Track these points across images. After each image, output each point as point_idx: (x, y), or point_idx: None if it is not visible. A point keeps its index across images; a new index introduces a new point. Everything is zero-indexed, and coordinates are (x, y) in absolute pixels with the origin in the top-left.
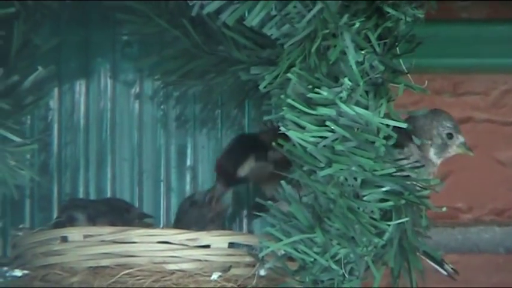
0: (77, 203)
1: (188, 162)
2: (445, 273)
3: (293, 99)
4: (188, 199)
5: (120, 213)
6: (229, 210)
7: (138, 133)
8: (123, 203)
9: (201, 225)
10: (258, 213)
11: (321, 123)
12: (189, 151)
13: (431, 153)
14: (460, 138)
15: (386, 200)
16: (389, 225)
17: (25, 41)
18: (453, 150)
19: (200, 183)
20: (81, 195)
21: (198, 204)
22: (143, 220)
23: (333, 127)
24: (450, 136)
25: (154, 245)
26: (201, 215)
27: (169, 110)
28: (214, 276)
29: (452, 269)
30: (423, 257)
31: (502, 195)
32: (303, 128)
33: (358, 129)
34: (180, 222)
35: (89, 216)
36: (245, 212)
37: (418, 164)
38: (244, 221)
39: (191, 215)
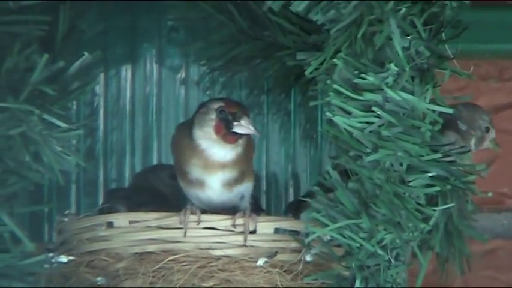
0: (118, 194)
1: None
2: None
3: (339, 85)
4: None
5: (161, 200)
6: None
7: (184, 118)
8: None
9: None
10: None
11: (367, 108)
12: None
13: (472, 142)
14: (493, 133)
15: (432, 186)
16: (435, 210)
17: (71, 27)
18: (486, 143)
19: None
20: (126, 181)
21: None
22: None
23: (379, 112)
24: (487, 129)
25: (200, 231)
26: None
27: (215, 95)
28: (260, 262)
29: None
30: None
31: None
32: (349, 113)
33: (404, 114)
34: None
35: (129, 208)
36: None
37: (464, 150)
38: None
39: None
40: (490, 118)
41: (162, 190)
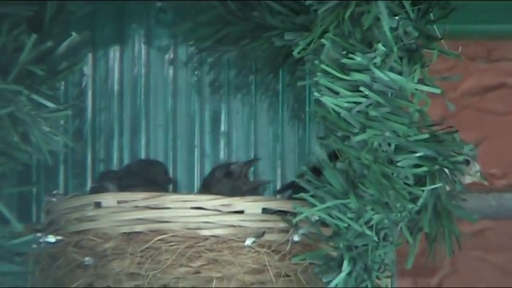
0: (110, 175)
1: (222, 128)
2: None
3: (327, 65)
4: (223, 168)
5: (153, 185)
6: (265, 186)
7: (172, 99)
8: (162, 165)
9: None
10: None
11: (354, 88)
12: (223, 117)
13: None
14: (477, 167)
15: (420, 166)
16: (423, 190)
17: (59, 7)
18: (468, 178)
19: (234, 149)
20: (115, 161)
21: (234, 176)
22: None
23: (366, 93)
24: (467, 162)
25: (188, 211)
26: (235, 186)
27: (204, 76)
28: (248, 242)
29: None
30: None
31: None
32: (336, 93)
33: (391, 94)
34: (209, 189)
35: (120, 188)
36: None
37: (452, 130)
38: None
39: (225, 186)
40: (471, 151)
41: (157, 180)
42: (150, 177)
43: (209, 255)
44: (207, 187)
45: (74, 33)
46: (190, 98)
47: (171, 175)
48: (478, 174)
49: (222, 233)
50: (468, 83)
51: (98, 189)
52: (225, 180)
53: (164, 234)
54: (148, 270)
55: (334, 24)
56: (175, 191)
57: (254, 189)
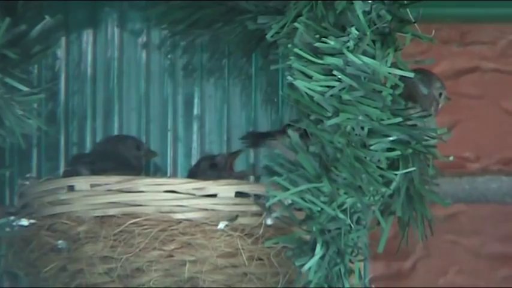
0: (83, 159)
1: (195, 112)
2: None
3: (300, 49)
4: (208, 160)
5: (127, 169)
6: (249, 178)
7: (145, 83)
8: (133, 139)
9: None
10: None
11: (327, 72)
12: (196, 100)
13: (433, 108)
14: (445, 92)
15: (393, 150)
16: (396, 174)
17: None
18: (441, 105)
19: (207, 133)
20: (88, 144)
21: (218, 167)
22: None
23: (339, 76)
24: (440, 95)
25: (161, 194)
26: (220, 178)
27: (177, 59)
28: (221, 225)
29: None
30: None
31: (509, 145)
32: (310, 77)
33: (365, 78)
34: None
35: (93, 172)
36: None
37: (425, 113)
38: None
39: (210, 177)
40: (443, 84)
41: (130, 160)
42: (120, 154)
43: (182, 238)
44: (193, 178)
45: (47, 17)
46: (163, 82)
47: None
48: (446, 98)
49: (195, 216)
50: (441, 66)
51: (71, 173)
52: (210, 171)
53: (137, 217)
54: (121, 253)
55: (307, 7)
56: (149, 173)
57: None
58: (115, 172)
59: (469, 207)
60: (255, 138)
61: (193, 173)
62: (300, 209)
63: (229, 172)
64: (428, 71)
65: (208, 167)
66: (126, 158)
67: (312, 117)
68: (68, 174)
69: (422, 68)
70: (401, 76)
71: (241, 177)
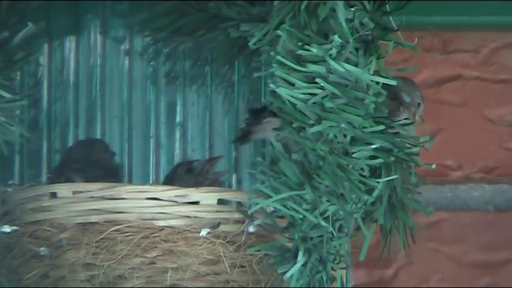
0: (73, 166)
1: (178, 119)
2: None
3: (283, 56)
4: (185, 165)
5: (116, 176)
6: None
7: (127, 90)
8: (102, 142)
9: None
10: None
11: (310, 80)
12: (178, 108)
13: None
14: (421, 109)
15: (376, 157)
16: (378, 182)
17: None
18: (417, 118)
19: (189, 140)
20: None
21: (195, 172)
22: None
23: (322, 84)
24: (419, 105)
25: (143, 202)
26: (197, 183)
27: (159, 66)
28: (203, 232)
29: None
30: None
31: (491, 153)
32: (292, 84)
33: (347, 86)
34: (172, 185)
35: (86, 180)
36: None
37: (408, 121)
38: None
39: (186, 182)
40: (422, 93)
41: (106, 164)
42: (92, 157)
43: (164, 245)
44: (170, 183)
45: (29, 24)
46: (145, 89)
47: (125, 163)
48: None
49: (177, 223)
50: (424, 74)
51: (58, 180)
52: (187, 176)
53: (119, 224)
54: (103, 260)
55: (290, 15)
56: (130, 180)
57: (214, 181)
58: (104, 179)
59: (451, 215)
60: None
61: (170, 178)
62: (282, 217)
63: (205, 177)
64: (409, 79)
65: (185, 172)
66: (97, 157)
67: (295, 125)
68: (52, 181)
69: (404, 77)
70: (384, 84)
71: (216, 177)
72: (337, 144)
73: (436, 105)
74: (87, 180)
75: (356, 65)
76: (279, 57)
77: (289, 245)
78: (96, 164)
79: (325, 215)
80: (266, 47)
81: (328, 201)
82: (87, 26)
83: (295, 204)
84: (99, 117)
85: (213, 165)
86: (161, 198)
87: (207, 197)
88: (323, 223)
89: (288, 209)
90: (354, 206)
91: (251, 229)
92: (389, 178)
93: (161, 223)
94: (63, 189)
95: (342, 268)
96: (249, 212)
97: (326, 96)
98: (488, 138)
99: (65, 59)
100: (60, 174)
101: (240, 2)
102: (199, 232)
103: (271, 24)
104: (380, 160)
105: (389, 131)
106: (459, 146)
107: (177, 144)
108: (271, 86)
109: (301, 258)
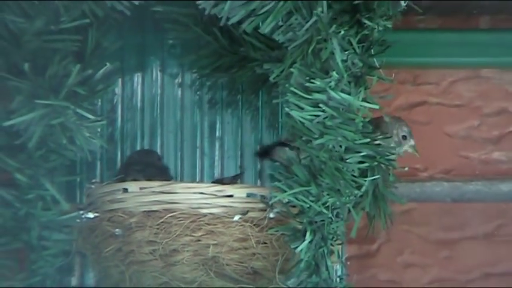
0: (134, 168)
1: (217, 134)
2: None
3: (295, 88)
4: (220, 181)
5: (165, 174)
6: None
7: (180, 112)
8: (156, 153)
9: None
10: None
11: (315, 105)
12: (217, 126)
13: (393, 143)
14: (412, 142)
15: (363, 162)
16: (365, 180)
17: (97, 44)
18: (406, 148)
19: (226, 150)
20: None
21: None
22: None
23: (324, 108)
24: (404, 138)
25: (192, 195)
26: None
27: (203, 95)
28: (236, 218)
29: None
30: None
31: (449, 159)
32: (302, 108)
33: (342, 109)
34: None
35: (146, 178)
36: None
37: (387, 135)
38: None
39: None
40: (409, 130)
41: (157, 164)
42: (148, 160)
43: (207, 227)
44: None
45: (107, 64)
46: (193, 112)
47: (178, 167)
48: (412, 148)
49: (216, 211)
50: (399, 101)
51: (125, 179)
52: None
53: (174, 212)
54: (162, 238)
55: (300, 57)
56: (181, 179)
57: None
58: (157, 177)
59: (419, 205)
60: (263, 150)
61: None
62: (294, 206)
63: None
64: (398, 117)
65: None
66: (153, 163)
67: (303, 138)
68: (123, 180)
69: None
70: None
71: (234, 180)
72: (335, 153)
73: (408, 124)
74: (145, 178)
75: (349, 93)
76: (292, 88)
77: (300, 227)
78: (150, 165)
79: (326, 205)
80: (282, 81)
81: (328, 194)
82: (150, 65)
83: (304, 197)
84: (158, 132)
85: (238, 180)
86: (205, 192)
87: (238, 191)
88: (324, 211)
89: (298, 200)
90: (347, 198)
91: (271, 215)
92: (373, 178)
93: (205, 211)
94: (133, 186)
95: (339, 244)
96: (270, 202)
97: (327, 117)
98: (447, 148)
99: (134, 89)
100: (126, 174)
101: (263, 47)
102: (233, 217)
103: (286, 63)
104: (367, 164)
105: (373, 142)
106: (425, 154)
107: (217, 153)
108: (286, 109)
109: (308, 236)
